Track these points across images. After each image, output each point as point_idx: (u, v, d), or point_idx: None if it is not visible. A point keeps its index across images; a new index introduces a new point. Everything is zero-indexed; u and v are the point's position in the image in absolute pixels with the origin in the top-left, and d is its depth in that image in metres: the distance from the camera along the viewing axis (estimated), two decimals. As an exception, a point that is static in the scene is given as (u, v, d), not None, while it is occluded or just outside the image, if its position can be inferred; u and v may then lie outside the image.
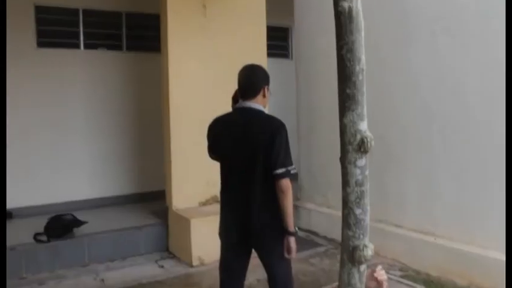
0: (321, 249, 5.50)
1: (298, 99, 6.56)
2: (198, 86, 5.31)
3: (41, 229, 5.08)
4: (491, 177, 4.26)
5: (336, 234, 5.38)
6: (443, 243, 4.63)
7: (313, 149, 6.20)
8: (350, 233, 1.79)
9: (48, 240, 4.97)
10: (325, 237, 5.80)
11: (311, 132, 6.26)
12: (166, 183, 5.45)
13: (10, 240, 4.91)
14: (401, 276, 4.56)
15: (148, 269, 4.93)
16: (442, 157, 4.67)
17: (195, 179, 5.26)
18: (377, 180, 5.07)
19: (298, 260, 4.53)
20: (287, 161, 2.73)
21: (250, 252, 2.99)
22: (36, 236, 5.02)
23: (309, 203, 6.25)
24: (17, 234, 5.17)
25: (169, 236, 5.42)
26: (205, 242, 4.86)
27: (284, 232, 2.80)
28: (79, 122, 6.36)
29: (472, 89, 4.37)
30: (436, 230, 4.77)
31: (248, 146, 2.76)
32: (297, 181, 6.54)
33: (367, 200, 1.77)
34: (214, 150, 3.00)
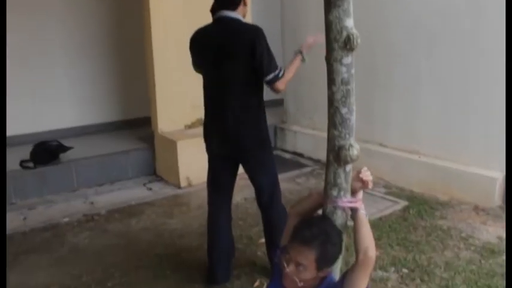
0: (307, 169, 5.59)
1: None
2: (180, 2, 5.14)
3: (27, 156, 5.06)
4: (475, 96, 4.31)
5: (322, 155, 5.42)
6: (427, 160, 4.73)
7: (300, 71, 6.12)
8: (336, 133, 1.80)
9: (35, 167, 4.97)
10: (310, 158, 5.88)
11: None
12: (151, 107, 5.41)
13: (-4, 168, 4.92)
14: (386, 193, 4.68)
15: (136, 191, 4.99)
16: (427, 76, 4.67)
17: (180, 102, 5.22)
18: (362, 100, 5.06)
19: (285, 180, 4.62)
20: (272, 65, 2.73)
21: (236, 166, 3.02)
22: (22, 163, 5.01)
23: (295, 125, 6.27)
24: (3, 161, 5.15)
25: (156, 160, 5.45)
26: (192, 163, 4.91)
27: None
28: (62, 47, 6.15)
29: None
30: (420, 148, 4.85)
31: (227, 56, 2.75)
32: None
33: (353, 99, 1.77)
34: (196, 63, 2.97)
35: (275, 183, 3.00)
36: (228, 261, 3.10)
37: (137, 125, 6.26)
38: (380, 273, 3.17)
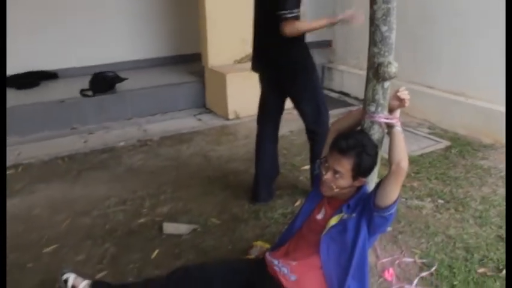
0: (353, 108, 5.68)
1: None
2: None
3: (86, 86, 5.38)
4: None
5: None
6: (474, 103, 4.72)
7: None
8: (376, 50, 1.92)
9: (94, 95, 5.28)
10: (356, 98, 5.95)
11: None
12: (202, 42, 5.57)
13: (58, 95, 5.28)
14: (429, 133, 4.74)
15: (186, 121, 5.25)
16: (477, 18, 4.61)
17: (230, 38, 5.36)
18: (410, 41, 5.09)
19: (331, 118, 4.73)
20: (287, 4, 2.80)
21: (283, 93, 3.17)
22: (82, 91, 5.33)
23: (342, 65, 6.33)
24: (64, 90, 5.51)
25: (206, 93, 5.66)
26: (241, 96, 5.11)
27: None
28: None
29: None
30: (467, 90, 4.83)
31: None
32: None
33: (393, 18, 1.88)
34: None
35: (320, 111, 3.12)
36: (272, 182, 3.31)
37: (188, 61, 6.47)
38: (416, 201, 3.31)
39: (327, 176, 2.10)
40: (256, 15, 3.08)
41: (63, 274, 2.35)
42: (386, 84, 2.02)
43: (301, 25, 2.86)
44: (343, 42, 6.33)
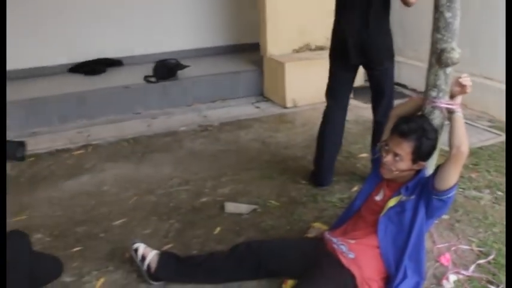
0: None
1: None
2: None
3: (150, 73, 5.60)
4: None
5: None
6: (536, 95, 4.62)
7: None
8: (439, 36, 1.98)
9: (157, 81, 5.50)
10: (414, 90, 5.91)
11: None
12: (261, 31, 5.68)
13: (123, 81, 5.54)
14: (489, 126, 4.66)
15: (245, 109, 5.38)
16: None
17: (289, 27, 5.44)
18: (468, 32, 5.02)
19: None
20: None
21: (356, 74, 3.24)
22: (146, 78, 5.56)
23: (400, 56, 6.28)
24: (128, 76, 5.76)
25: (264, 82, 5.77)
26: (299, 85, 5.20)
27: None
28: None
29: None
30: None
31: None
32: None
33: (457, 5, 1.92)
34: None
35: (393, 96, 3.23)
36: (333, 166, 3.40)
37: (247, 50, 6.58)
38: (474, 192, 3.31)
39: (387, 158, 2.18)
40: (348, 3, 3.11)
41: (133, 244, 2.53)
42: (449, 70, 2.07)
43: None
44: (400, 34, 6.28)
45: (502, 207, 3.09)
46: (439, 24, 1.96)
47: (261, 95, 5.79)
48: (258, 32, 5.81)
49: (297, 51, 5.65)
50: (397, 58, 6.21)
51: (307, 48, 5.61)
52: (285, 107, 5.28)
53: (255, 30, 6.00)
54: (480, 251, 2.62)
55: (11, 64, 5.62)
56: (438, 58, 2.02)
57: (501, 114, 4.82)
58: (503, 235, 2.77)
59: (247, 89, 5.81)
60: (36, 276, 2.29)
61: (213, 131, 4.72)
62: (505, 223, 2.89)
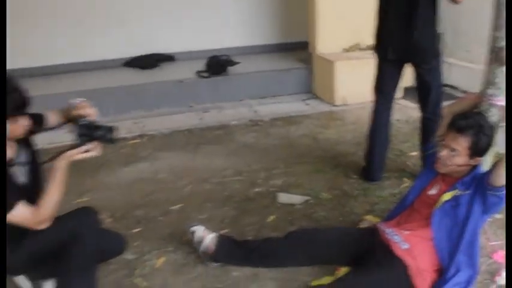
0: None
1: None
2: None
3: (202, 68, 5.77)
4: None
5: (476, 89, 5.43)
6: None
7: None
8: (497, 35, 2.03)
9: (209, 76, 5.66)
10: (464, 92, 5.86)
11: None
12: (311, 30, 5.75)
13: (176, 76, 5.72)
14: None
15: (295, 105, 5.47)
16: None
17: (340, 26, 5.48)
18: None
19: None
20: None
21: (403, 71, 3.30)
22: (198, 73, 5.73)
23: (451, 57, 6.25)
24: (181, 71, 5.94)
25: (313, 80, 5.85)
26: (348, 83, 5.25)
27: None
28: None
29: None
30: None
31: None
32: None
33: (519, 4, 1.97)
34: None
35: (441, 94, 3.26)
36: (383, 162, 3.46)
37: (296, 48, 6.67)
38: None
39: (443, 153, 2.24)
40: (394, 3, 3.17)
41: (192, 226, 2.66)
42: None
43: None
44: (452, 35, 6.24)
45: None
46: (497, 22, 2.01)
47: (310, 93, 5.86)
48: (307, 31, 5.89)
49: (346, 50, 5.70)
50: (447, 59, 6.24)
51: (357, 47, 5.65)
52: (335, 105, 5.34)
53: (303, 29, 6.08)
54: (533, 249, 2.63)
55: (70, 58, 5.92)
56: (497, 56, 2.07)
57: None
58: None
59: (296, 86, 5.90)
60: (103, 250, 2.44)
61: (263, 126, 4.84)
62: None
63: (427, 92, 3.22)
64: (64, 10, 6.02)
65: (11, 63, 5.55)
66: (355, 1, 5.34)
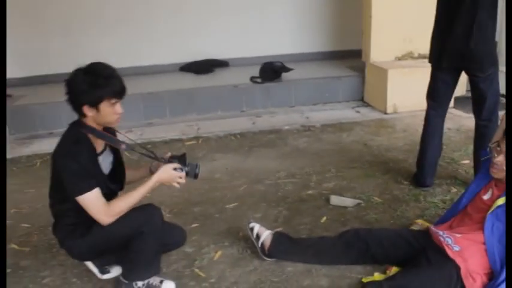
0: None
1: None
2: None
3: (256, 74, 5.93)
4: None
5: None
6: None
7: None
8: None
9: (262, 82, 5.82)
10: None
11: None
12: (364, 38, 5.82)
13: (231, 81, 5.91)
14: None
15: (346, 112, 5.57)
16: None
17: (393, 35, 5.55)
18: None
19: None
20: None
21: (457, 79, 3.35)
22: (252, 78, 5.90)
23: (501, 66, 6.18)
24: (236, 76, 6.14)
25: (365, 88, 5.92)
26: (400, 91, 5.30)
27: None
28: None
29: None
30: None
31: None
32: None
33: None
34: None
35: (497, 101, 3.30)
36: (435, 168, 3.51)
37: (348, 56, 6.76)
38: None
39: (499, 158, 2.30)
40: (449, 8, 3.20)
41: (250, 223, 2.80)
42: None
43: None
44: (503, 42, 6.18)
45: None
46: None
47: (361, 100, 5.94)
48: (360, 39, 5.97)
49: (399, 58, 5.75)
50: (502, 68, 6.18)
51: (409, 56, 5.69)
52: (386, 113, 5.40)
53: (356, 38, 6.17)
54: None
55: (130, 62, 6.20)
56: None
57: None
58: None
59: (347, 94, 5.99)
60: (166, 243, 2.61)
61: (315, 131, 4.95)
62: None
63: (483, 100, 3.25)
64: (128, 19, 6.33)
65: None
66: (409, 10, 5.40)
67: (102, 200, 2.26)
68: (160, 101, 5.63)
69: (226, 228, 3.10)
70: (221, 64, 6.77)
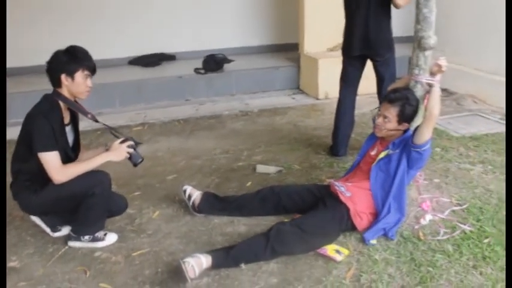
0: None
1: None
2: None
3: (199, 65, 6.38)
4: None
5: (450, 84, 5.96)
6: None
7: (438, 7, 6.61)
8: (418, 27, 2.62)
9: (205, 72, 6.28)
10: (446, 90, 6.40)
11: None
12: (300, 31, 6.36)
13: (177, 72, 6.33)
14: (500, 119, 5.14)
15: (282, 99, 6.10)
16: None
17: (325, 28, 6.07)
18: (493, 34, 5.55)
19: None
20: None
21: (364, 65, 3.90)
22: (196, 70, 6.35)
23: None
24: (181, 69, 6.56)
25: (300, 76, 6.46)
26: (331, 79, 5.77)
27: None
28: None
29: None
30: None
31: None
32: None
33: (432, 3, 2.56)
34: None
35: (393, 79, 3.83)
36: (348, 140, 4.05)
37: (287, 49, 7.28)
38: (468, 165, 3.83)
39: (379, 120, 2.84)
40: (352, 5, 3.79)
41: (183, 186, 3.26)
42: (427, 52, 2.71)
43: None
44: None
45: (489, 176, 3.65)
46: (419, 17, 2.61)
47: (297, 88, 6.47)
48: (296, 33, 6.49)
49: (331, 49, 6.29)
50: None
51: (339, 46, 6.22)
52: (318, 99, 5.95)
53: (295, 31, 6.69)
54: (458, 203, 3.20)
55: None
56: (418, 43, 2.66)
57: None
58: (482, 194, 3.35)
59: (285, 83, 6.51)
60: (110, 209, 3.02)
61: (252, 116, 5.44)
62: (486, 187, 3.46)
63: (382, 81, 3.83)
64: (78, 15, 6.67)
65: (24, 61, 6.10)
66: (339, 5, 5.92)
67: (60, 161, 2.67)
68: (110, 92, 5.98)
69: (165, 195, 3.55)
70: (168, 58, 7.17)
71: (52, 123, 2.64)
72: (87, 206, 2.77)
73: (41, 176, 2.68)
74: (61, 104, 2.73)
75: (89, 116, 2.84)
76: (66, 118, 2.81)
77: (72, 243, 2.90)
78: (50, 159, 2.63)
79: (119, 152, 2.80)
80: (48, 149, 2.62)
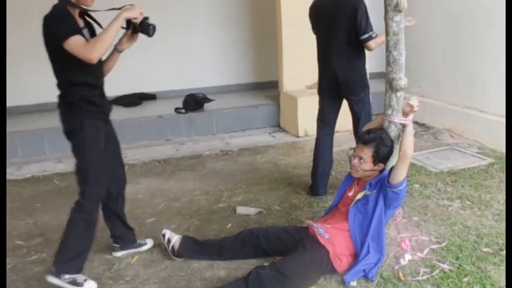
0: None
1: None
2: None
3: (180, 105, 6.42)
4: None
5: (428, 120, 6.08)
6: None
7: (410, 42, 6.79)
8: (389, 69, 2.68)
9: (186, 112, 6.31)
10: (416, 122, 6.53)
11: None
12: (279, 69, 6.47)
13: (157, 112, 6.36)
14: (477, 153, 5.21)
15: (262, 137, 6.13)
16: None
17: (303, 66, 6.16)
18: (465, 68, 5.69)
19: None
20: (368, 27, 3.61)
21: (340, 104, 3.96)
22: (176, 109, 6.38)
23: (405, 93, 6.94)
24: (162, 108, 6.60)
25: (280, 114, 6.53)
26: (310, 117, 5.83)
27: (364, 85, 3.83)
28: (202, 18, 7.44)
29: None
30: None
31: (335, 21, 3.67)
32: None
33: (401, 46, 2.62)
34: (314, 28, 3.94)
35: (370, 117, 3.92)
36: (327, 179, 4.07)
37: (266, 87, 7.40)
38: (446, 202, 3.88)
39: (355, 161, 2.86)
40: (324, 47, 3.88)
41: (162, 230, 3.23)
42: (399, 93, 2.76)
43: (380, 40, 3.59)
44: (406, 72, 6.96)
45: (466, 212, 3.69)
46: (389, 59, 2.67)
47: (277, 126, 6.53)
48: (275, 71, 6.59)
49: (310, 87, 6.39)
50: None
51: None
52: (298, 136, 6.00)
53: (272, 70, 6.79)
54: (437, 241, 3.22)
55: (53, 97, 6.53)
56: (390, 85, 2.72)
57: (490, 142, 5.39)
58: (460, 231, 3.37)
59: (265, 121, 6.57)
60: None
61: (232, 155, 5.45)
62: (464, 223, 3.49)
63: (358, 120, 3.89)
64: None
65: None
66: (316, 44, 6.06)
67: (84, 40, 2.63)
68: (90, 134, 5.96)
69: (144, 239, 3.50)
70: (149, 97, 7.22)
71: (71, 23, 2.64)
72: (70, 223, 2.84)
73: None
74: (71, 11, 2.70)
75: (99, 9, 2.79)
76: (80, 23, 2.78)
77: (51, 279, 2.84)
78: (75, 42, 2.58)
79: (133, 9, 2.75)
80: (71, 34, 2.58)
